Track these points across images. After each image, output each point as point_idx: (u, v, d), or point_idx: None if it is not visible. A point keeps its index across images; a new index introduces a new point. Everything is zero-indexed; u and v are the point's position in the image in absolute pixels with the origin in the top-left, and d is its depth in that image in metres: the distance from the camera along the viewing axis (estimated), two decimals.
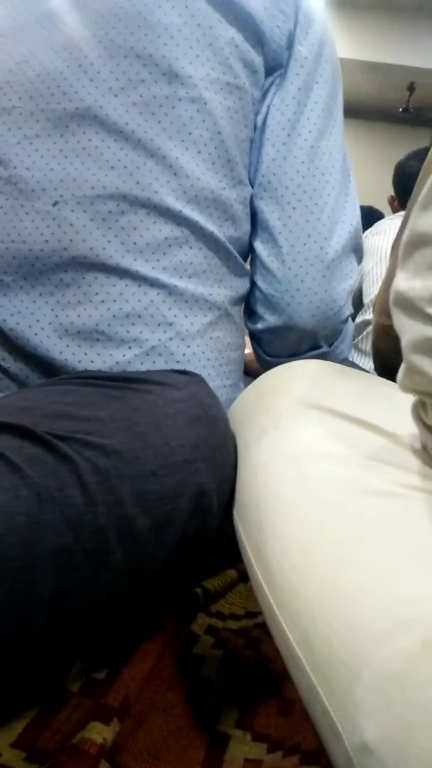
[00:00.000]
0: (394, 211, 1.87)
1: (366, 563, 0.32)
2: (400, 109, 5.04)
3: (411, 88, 4.75)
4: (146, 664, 0.47)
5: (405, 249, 0.38)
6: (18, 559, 0.32)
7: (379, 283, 1.52)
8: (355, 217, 0.65)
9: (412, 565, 0.32)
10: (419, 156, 1.71)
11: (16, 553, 0.32)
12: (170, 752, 0.42)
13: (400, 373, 0.38)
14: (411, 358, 0.36)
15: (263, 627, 0.58)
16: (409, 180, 1.69)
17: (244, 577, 0.67)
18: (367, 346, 1.52)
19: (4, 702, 0.41)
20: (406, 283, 0.36)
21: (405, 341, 0.37)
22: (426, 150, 1.75)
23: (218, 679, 0.50)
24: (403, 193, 1.77)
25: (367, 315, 1.56)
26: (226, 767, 0.42)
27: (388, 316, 0.75)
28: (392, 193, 1.83)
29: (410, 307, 0.36)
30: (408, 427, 0.43)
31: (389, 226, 1.64)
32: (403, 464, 0.39)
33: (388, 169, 1.84)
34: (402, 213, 1.70)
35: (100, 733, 0.40)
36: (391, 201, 1.90)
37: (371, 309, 1.54)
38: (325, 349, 0.67)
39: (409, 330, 0.36)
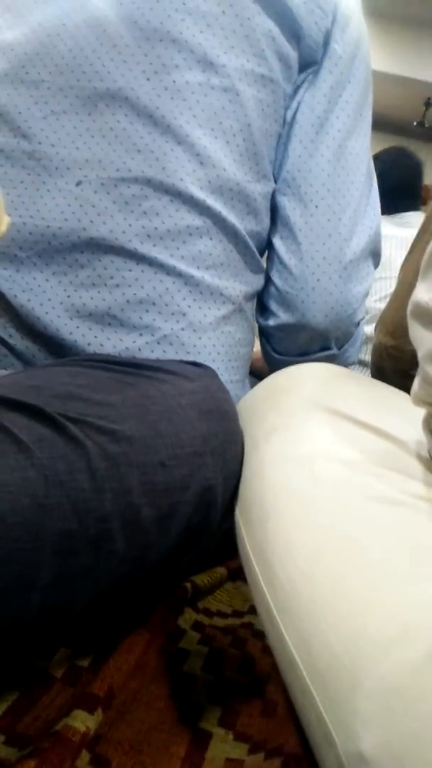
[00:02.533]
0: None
1: (373, 570, 0.32)
2: (415, 123, 5.05)
3: (428, 103, 4.76)
4: (132, 656, 0.47)
5: (428, 260, 0.37)
6: (20, 541, 0.32)
7: (375, 293, 1.51)
8: (376, 221, 0.65)
9: (419, 573, 0.31)
10: (376, 160, 1.67)
11: (19, 534, 0.32)
12: (151, 746, 0.42)
13: (415, 385, 0.38)
14: (428, 369, 0.35)
15: (249, 627, 0.58)
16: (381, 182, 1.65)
17: (232, 575, 0.66)
18: (365, 355, 1.51)
19: None
20: (427, 294, 0.36)
21: (422, 352, 0.36)
22: (386, 151, 1.73)
23: (202, 675, 0.49)
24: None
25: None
26: (207, 765, 0.41)
27: (394, 337, 0.75)
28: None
29: (430, 318, 0.35)
30: (417, 436, 0.42)
31: (385, 233, 1.62)
32: (412, 473, 0.38)
33: None
34: (395, 216, 1.66)
35: (83, 721, 0.39)
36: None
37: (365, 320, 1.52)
38: (334, 351, 0.67)
39: (427, 341, 0.36)
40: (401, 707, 0.27)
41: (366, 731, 0.28)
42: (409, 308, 0.37)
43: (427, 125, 5.04)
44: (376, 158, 1.69)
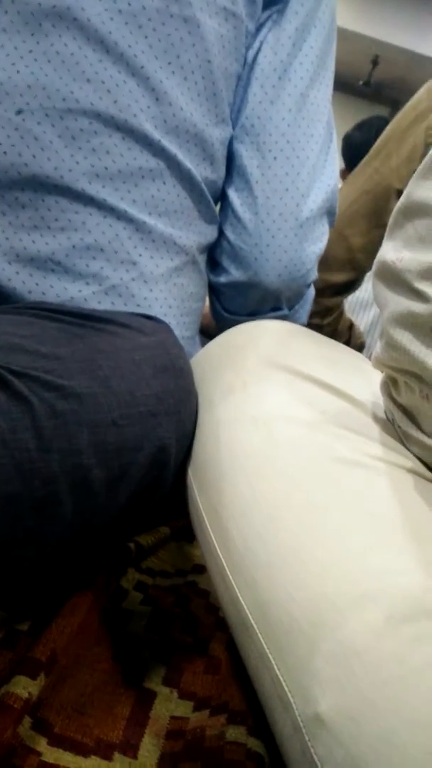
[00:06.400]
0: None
1: (334, 533, 0.31)
2: (361, 82, 5.01)
3: (375, 62, 4.71)
4: (75, 618, 0.45)
5: (396, 218, 0.36)
6: None
7: None
8: (333, 178, 0.62)
9: (380, 538, 0.31)
10: (363, 127, 1.71)
11: None
12: (95, 707, 0.41)
13: (377, 349, 0.37)
14: (392, 332, 0.35)
15: (193, 586, 0.58)
16: (356, 151, 1.69)
17: (175, 534, 0.66)
18: None
19: None
20: (394, 254, 0.35)
21: (386, 314, 0.35)
22: (370, 120, 1.76)
23: (146, 635, 0.49)
24: (350, 165, 1.77)
25: None
26: (151, 724, 0.41)
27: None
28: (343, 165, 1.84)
29: (395, 279, 0.35)
30: (375, 396, 0.42)
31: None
32: (371, 434, 0.38)
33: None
34: None
35: (25, 687, 0.38)
36: (342, 173, 1.90)
37: None
38: (285, 311, 0.65)
39: (391, 303, 0.35)
40: (360, 672, 0.27)
41: (324, 694, 0.28)
42: (374, 268, 0.36)
43: (373, 84, 5.00)
44: (362, 125, 1.69)
